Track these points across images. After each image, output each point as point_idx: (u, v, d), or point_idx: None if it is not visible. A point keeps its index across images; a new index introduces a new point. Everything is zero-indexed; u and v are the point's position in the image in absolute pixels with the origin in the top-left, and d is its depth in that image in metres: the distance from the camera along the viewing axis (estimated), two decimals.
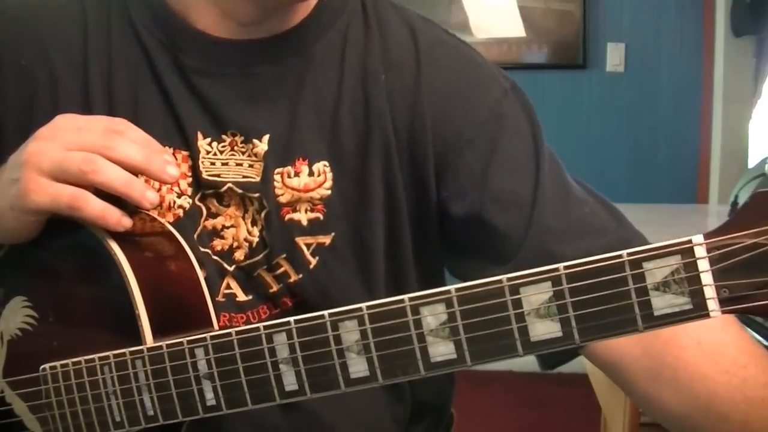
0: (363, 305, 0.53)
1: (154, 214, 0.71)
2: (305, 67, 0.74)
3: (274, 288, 0.74)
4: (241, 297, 0.74)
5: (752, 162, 2.97)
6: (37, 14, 0.77)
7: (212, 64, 0.73)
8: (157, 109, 0.73)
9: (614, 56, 3.31)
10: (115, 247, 0.65)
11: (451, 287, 0.50)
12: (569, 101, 3.38)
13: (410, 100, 0.74)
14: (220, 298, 0.73)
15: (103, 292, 0.67)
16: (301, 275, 0.73)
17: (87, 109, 0.72)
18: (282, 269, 0.73)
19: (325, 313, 0.54)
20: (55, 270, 0.71)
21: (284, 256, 0.73)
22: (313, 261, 0.73)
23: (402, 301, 0.51)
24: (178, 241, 0.69)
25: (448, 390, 0.88)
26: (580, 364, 0.85)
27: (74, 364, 0.65)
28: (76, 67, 0.74)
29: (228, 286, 0.74)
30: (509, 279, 0.49)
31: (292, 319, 0.55)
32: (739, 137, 3.10)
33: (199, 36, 0.73)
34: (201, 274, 0.68)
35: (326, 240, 0.73)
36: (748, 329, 1.20)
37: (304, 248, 0.73)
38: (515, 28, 3.33)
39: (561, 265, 0.48)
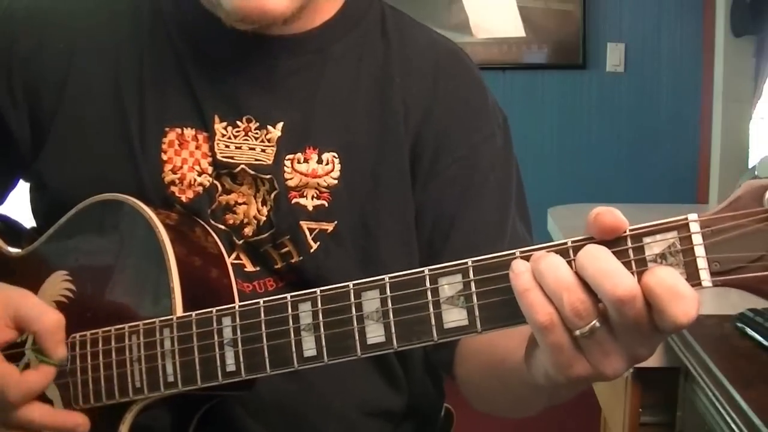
0: (386, 276, 0.56)
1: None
2: (323, 64, 0.79)
3: (279, 264, 0.78)
4: (249, 268, 0.79)
5: (752, 162, 2.97)
6: (71, 3, 0.82)
7: (234, 56, 0.77)
8: (180, 94, 0.78)
9: (614, 56, 3.31)
10: (161, 228, 0.69)
11: (468, 260, 0.54)
12: (569, 101, 3.37)
13: (424, 106, 0.79)
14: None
15: (142, 272, 0.71)
16: (301, 258, 0.77)
17: (118, 93, 0.78)
18: (286, 249, 0.78)
19: (350, 283, 0.57)
20: (100, 248, 0.75)
21: (288, 237, 0.77)
22: (314, 246, 0.77)
23: (422, 271, 0.55)
24: (213, 236, 0.75)
25: (433, 394, 0.90)
26: None
27: (104, 332, 0.68)
28: (107, 54, 0.79)
29: (237, 258, 0.78)
30: (522, 252, 0.52)
31: (318, 289, 0.58)
32: (739, 137, 3.09)
33: (223, 31, 0.76)
34: (230, 266, 0.73)
35: (329, 227, 0.77)
36: (750, 330, 1.20)
37: (307, 232, 0.77)
38: (515, 28, 3.33)
39: (569, 240, 0.51)
